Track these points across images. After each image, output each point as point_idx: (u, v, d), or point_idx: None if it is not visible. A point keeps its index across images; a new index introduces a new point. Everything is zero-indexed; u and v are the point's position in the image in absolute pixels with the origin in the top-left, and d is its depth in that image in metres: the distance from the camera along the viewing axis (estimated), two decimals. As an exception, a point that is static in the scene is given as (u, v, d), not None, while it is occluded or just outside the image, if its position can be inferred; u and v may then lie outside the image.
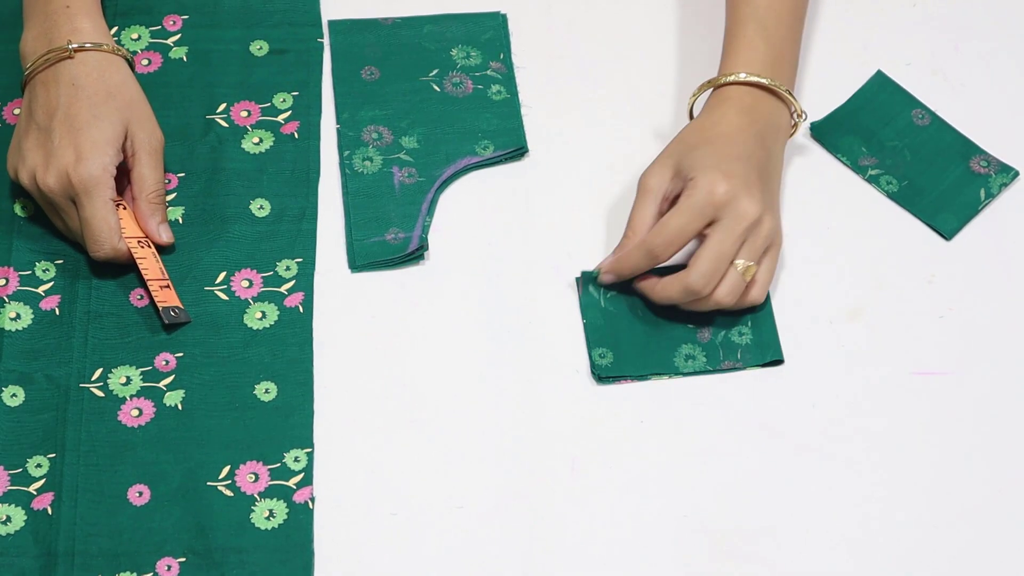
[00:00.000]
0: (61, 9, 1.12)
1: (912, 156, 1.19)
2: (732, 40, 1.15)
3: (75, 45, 1.10)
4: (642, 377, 1.11)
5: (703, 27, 1.24)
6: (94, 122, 1.09)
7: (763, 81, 1.12)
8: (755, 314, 1.12)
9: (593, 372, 1.10)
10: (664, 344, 1.11)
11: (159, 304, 1.10)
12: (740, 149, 1.10)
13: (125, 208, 1.11)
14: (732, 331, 1.12)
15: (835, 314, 1.13)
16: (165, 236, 1.12)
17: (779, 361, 1.11)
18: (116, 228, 1.09)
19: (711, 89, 1.14)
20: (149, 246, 1.11)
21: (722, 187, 1.07)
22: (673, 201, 1.11)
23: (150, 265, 1.11)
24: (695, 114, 1.16)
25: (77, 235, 1.11)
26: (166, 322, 1.10)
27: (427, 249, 1.14)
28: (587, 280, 1.13)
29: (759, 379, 1.11)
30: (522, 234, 1.15)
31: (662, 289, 1.10)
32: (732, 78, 1.13)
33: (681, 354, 1.11)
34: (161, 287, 1.11)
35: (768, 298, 1.12)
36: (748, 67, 1.13)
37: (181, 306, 1.10)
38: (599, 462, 1.08)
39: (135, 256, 1.10)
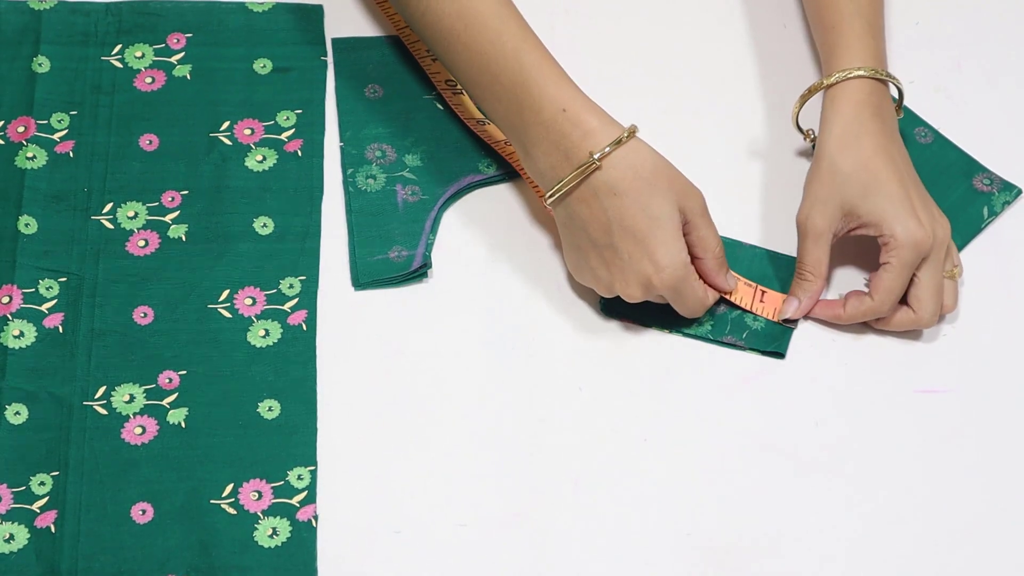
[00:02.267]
0: (559, 115, 1.07)
1: (915, 174, 1.19)
2: (841, 36, 1.14)
3: (598, 154, 1.06)
4: (644, 323, 1.12)
5: (709, 48, 1.24)
6: (653, 224, 1.06)
7: (881, 75, 1.12)
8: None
9: (601, 303, 1.12)
10: None
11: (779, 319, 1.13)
12: (900, 167, 1.11)
13: None
14: (748, 314, 1.12)
15: (839, 332, 1.13)
16: (731, 283, 1.12)
17: (780, 355, 1.12)
18: (708, 298, 1.10)
19: (821, 91, 1.14)
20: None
21: (920, 234, 1.08)
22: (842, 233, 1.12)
23: (744, 297, 1.13)
24: (799, 120, 1.16)
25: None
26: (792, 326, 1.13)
27: (431, 267, 1.14)
28: None
29: (763, 397, 1.11)
30: (525, 252, 1.15)
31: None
32: (850, 74, 1.12)
33: None
34: (762, 305, 1.13)
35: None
36: (864, 61, 1.13)
37: (786, 316, 1.12)
38: (602, 480, 1.08)
39: (733, 300, 1.13)
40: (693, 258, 1.10)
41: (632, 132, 1.07)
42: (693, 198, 1.08)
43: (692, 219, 1.08)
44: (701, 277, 1.11)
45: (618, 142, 1.06)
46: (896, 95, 1.15)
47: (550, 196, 1.09)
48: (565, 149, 1.07)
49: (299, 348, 1.11)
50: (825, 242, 1.11)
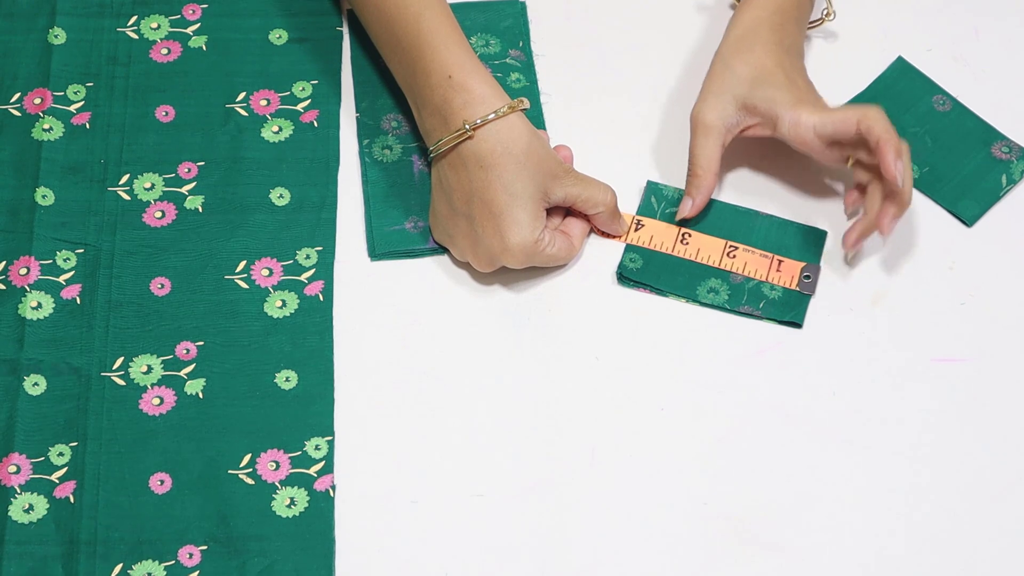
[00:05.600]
0: (444, 81, 1.09)
1: (933, 142, 1.18)
2: None
3: (470, 125, 1.07)
4: (660, 292, 1.12)
5: (724, 12, 1.24)
6: (511, 201, 1.07)
7: None
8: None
9: (617, 271, 1.13)
10: (695, 272, 1.13)
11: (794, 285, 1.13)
12: (789, 70, 1.12)
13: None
14: (765, 284, 1.12)
15: (856, 301, 1.13)
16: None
17: (797, 324, 1.11)
18: (573, 249, 1.12)
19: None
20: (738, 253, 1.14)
21: (815, 110, 1.10)
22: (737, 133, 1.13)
23: (759, 268, 1.13)
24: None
25: None
26: (809, 292, 1.12)
27: (446, 239, 1.14)
28: (652, 191, 1.16)
29: (779, 366, 1.11)
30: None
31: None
32: None
33: (706, 285, 1.12)
34: (779, 274, 1.13)
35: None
36: None
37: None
38: (619, 449, 1.08)
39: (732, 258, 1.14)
40: (589, 218, 1.13)
41: (515, 107, 1.08)
42: (560, 178, 1.10)
43: (565, 193, 1.10)
44: (596, 229, 1.14)
45: (496, 115, 1.07)
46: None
47: (429, 157, 1.11)
48: (445, 114, 1.09)
49: (316, 318, 1.11)
50: (716, 136, 1.12)
